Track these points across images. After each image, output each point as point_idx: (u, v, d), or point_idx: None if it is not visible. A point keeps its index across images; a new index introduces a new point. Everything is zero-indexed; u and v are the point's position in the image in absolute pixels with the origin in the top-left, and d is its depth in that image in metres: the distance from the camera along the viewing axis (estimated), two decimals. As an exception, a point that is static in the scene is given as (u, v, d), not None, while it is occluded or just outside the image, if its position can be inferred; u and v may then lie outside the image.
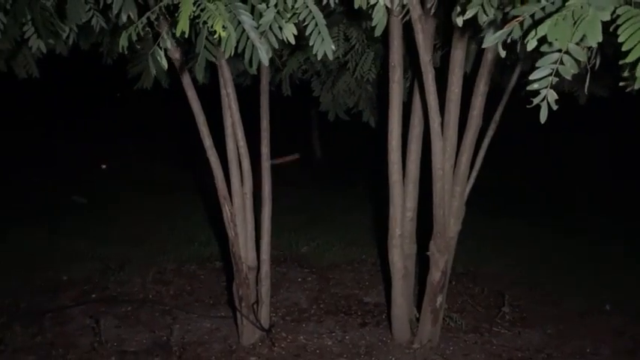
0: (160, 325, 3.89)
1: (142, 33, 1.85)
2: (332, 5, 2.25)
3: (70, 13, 2.39)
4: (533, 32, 1.27)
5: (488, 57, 3.20)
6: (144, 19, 1.88)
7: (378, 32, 2.18)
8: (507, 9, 1.51)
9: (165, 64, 1.95)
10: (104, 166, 8.04)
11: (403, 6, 2.72)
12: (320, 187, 8.64)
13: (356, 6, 2.06)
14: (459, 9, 1.90)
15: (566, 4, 1.25)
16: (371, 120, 4.91)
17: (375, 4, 2.08)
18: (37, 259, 4.99)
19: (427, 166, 3.33)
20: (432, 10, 2.63)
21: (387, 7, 2.24)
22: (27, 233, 5.58)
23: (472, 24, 1.91)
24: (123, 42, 1.84)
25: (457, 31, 3.02)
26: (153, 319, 4.00)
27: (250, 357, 3.56)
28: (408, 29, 3.01)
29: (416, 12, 2.75)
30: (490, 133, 3.54)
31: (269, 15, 2.07)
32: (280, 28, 2.09)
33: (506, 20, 1.48)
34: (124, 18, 2.02)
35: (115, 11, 2.00)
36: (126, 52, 1.89)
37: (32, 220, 6.03)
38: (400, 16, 2.93)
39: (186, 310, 4.16)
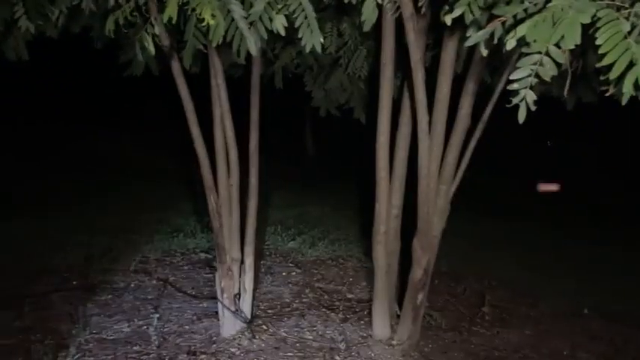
0: (140, 315, 3.88)
1: (129, 17, 1.84)
2: (324, -1, 2.26)
3: (59, -5, 2.38)
4: (513, 32, 1.28)
5: (478, 57, 3.22)
6: (131, 3, 1.87)
7: (366, 27, 2.19)
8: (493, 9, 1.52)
9: (152, 50, 1.95)
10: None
11: (395, 3, 2.73)
12: (310, 183, 8.66)
13: (346, 0, 2.07)
14: (447, 8, 1.91)
15: (548, 5, 1.27)
16: (362, 117, 4.93)
17: (364, 0, 2.09)
18: (20, 245, 4.95)
19: (415, 164, 3.35)
20: (423, 9, 2.64)
21: (378, 4, 2.26)
22: (12, 220, 5.53)
23: (462, 23, 1.93)
24: (109, 25, 1.83)
25: (447, 31, 3.03)
26: (133, 308, 3.98)
27: (230, 348, 3.56)
28: (400, 27, 3.02)
29: (407, 10, 2.76)
30: (477, 133, 3.55)
31: (259, 5, 2.07)
32: (270, 20, 2.09)
33: (490, 20, 1.49)
34: (111, 2, 2.01)
35: (103, -6, 1.99)
36: (112, 36, 1.88)
37: (17, 208, 5.97)
38: (391, 13, 2.93)
39: (168, 300, 4.15)
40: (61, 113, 10.53)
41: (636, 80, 1.18)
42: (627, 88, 1.21)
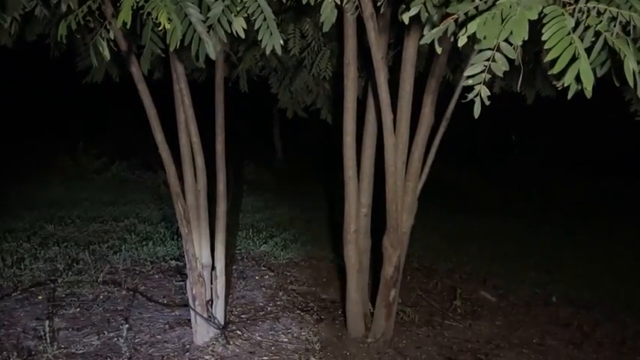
0: (110, 327, 3.78)
1: (82, 22, 1.79)
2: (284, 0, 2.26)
3: (11, 2, 2.30)
4: (464, 29, 1.31)
5: (438, 55, 3.26)
6: (84, 8, 1.82)
7: (326, 28, 2.20)
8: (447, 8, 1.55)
9: (107, 55, 1.90)
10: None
11: (354, 2, 2.75)
12: (280, 185, 8.64)
13: (304, 1, 2.07)
14: (404, 7, 1.93)
15: (497, 3, 1.30)
16: (328, 117, 4.95)
17: (323, 0, 2.10)
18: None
19: (382, 163, 3.37)
20: (382, 9, 2.67)
21: (337, 5, 2.27)
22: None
23: (420, 22, 1.95)
24: (62, 31, 1.78)
25: (407, 30, 3.07)
26: (103, 320, 3.88)
27: (204, 355, 3.51)
28: (362, 27, 3.04)
29: (367, 10, 2.78)
30: (442, 130, 3.61)
31: (217, 8, 2.05)
32: (229, 22, 2.08)
33: (445, 18, 1.52)
34: (63, 8, 1.96)
35: (54, 0, 1.94)
36: (64, 42, 1.83)
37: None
38: (350, 13, 2.96)
39: (139, 310, 4.07)
40: (17, 122, 10.22)
41: (578, 74, 1.22)
42: (569, 81, 1.25)
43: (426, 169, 3.60)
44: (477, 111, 1.45)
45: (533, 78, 3.99)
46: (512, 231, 6.66)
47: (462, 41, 1.34)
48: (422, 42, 1.55)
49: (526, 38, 1.24)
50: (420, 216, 3.68)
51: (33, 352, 3.40)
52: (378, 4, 2.64)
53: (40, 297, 4.20)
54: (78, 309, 4.02)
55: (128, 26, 1.69)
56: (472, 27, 1.27)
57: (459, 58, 3.74)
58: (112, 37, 1.99)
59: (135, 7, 1.78)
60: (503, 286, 4.86)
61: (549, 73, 1.32)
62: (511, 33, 1.24)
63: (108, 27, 1.96)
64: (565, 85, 1.26)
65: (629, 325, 4.36)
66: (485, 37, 1.26)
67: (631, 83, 1.41)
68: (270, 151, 11.04)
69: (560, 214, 7.79)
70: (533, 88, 4.16)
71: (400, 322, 3.96)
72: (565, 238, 6.55)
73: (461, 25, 1.39)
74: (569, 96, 1.33)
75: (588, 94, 1.28)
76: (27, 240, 5.33)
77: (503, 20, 1.25)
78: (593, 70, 1.46)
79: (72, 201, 6.91)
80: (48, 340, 3.45)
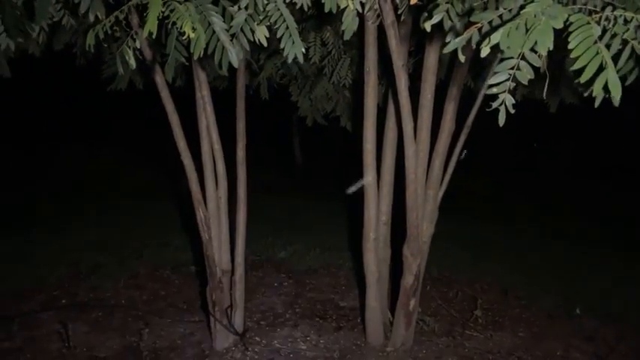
0: (131, 331, 3.84)
1: (109, 31, 1.83)
2: (305, 8, 2.27)
3: (39, 12, 2.36)
4: (487, 40, 1.30)
5: (460, 63, 3.24)
6: (111, 18, 1.86)
7: (347, 36, 2.20)
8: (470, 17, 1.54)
9: (133, 63, 1.94)
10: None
11: (375, 11, 2.76)
12: (299, 192, 8.65)
13: (326, 9, 2.08)
14: (426, 14, 1.93)
15: (521, 12, 1.29)
16: (348, 125, 4.95)
17: (345, 8, 2.11)
18: (7, 264, 4.88)
19: (402, 171, 3.36)
20: (403, 17, 2.67)
21: (359, 13, 2.27)
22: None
23: (442, 30, 1.95)
24: (89, 40, 1.82)
25: (429, 38, 3.06)
26: (124, 324, 3.93)
27: (223, 361, 3.53)
28: (382, 35, 3.04)
29: (388, 18, 2.78)
30: (463, 137, 3.58)
31: (240, 17, 2.08)
32: (252, 31, 2.10)
33: (468, 26, 1.51)
34: (91, 18, 2.00)
35: (82, 10, 1.98)
36: (92, 51, 1.88)
37: (3, 228, 5.90)
38: (372, 22, 2.96)
39: (159, 315, 4.11)
40: (42, 131, 10.46)
41: (606, 83, 1.20)
42: (597, 91, 1.23)
43: (447, 177, 3.58)
44: (501, 120, 1.44)
45: (556, 86, 3.93)
46: (534, 240, 6.54)
47: (484, 52, 1.33)
48: (445, 51, 1.54)
49: (551, 48, 1.23)
50: (440, 224, 3.65)
51: (56, 355, 3.47)
52: (399, 12, 2.64)
53: (64, 300, 4.28)
54: (100, 313, 4.09)
55: (154, 36, 1.72)
56: (495, 38, 1.26)
57: (480, 65, 3.71)
58: (138, 46, 2.03)
59: (160, 17, 1.82)
60: (526, 297, 4.77)
61: (576, 81, 1.30)
62: (535, 43, 1.23)
63: (134, 36, 2.00)
64: (594, 95, 1.23)
65: (656, 339, 4.23)
66: (508, 48, 1.25)
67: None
68: (289, 157, 11.09)
69: (583, 223, 7.63)
70: (557, 96, 4.10)
71: (420, 332, 3.92)
72: (588, 249, 6.39)
73: (484, 35, 1.37)
74: (596, 104, 1.31)
75: (616, 103, 1.25)
76: (52, 244, 5.44)
77: (527, 30, 1.24)
78: (623, 78, 1.43)
79: (93, 206, 7.03)
80: (71, 343, 3.52)
